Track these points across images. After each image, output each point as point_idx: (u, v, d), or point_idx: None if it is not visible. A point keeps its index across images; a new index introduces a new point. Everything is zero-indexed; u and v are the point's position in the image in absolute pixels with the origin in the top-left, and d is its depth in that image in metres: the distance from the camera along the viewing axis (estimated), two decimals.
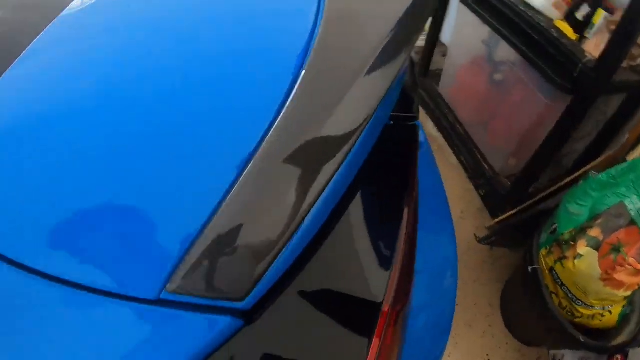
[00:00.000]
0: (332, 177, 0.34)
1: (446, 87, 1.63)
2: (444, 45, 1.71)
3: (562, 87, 1.04)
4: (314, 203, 0.33)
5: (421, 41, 1.72)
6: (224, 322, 0.31)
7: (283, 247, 0.32)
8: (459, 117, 1.55)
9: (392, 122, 0.57)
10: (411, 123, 0.59)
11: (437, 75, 1.69)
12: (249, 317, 0.33)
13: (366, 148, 0.41)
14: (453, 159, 1.55)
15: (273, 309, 0.35)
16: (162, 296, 0.30)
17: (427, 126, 1.70)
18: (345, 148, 0.35)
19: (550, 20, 1.09)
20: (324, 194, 0.33)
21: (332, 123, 0.35)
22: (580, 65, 0.97)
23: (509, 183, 1.31)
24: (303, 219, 0.32)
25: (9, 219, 0.31)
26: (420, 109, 1.75)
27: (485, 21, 1.31)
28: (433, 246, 0.69)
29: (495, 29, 1.26)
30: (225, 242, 0.30)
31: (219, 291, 0.30)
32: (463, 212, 1.41)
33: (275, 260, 0.31)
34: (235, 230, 0.30)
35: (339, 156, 0.34)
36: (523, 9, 1.12)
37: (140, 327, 0.30)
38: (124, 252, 0.30)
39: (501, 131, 1.38)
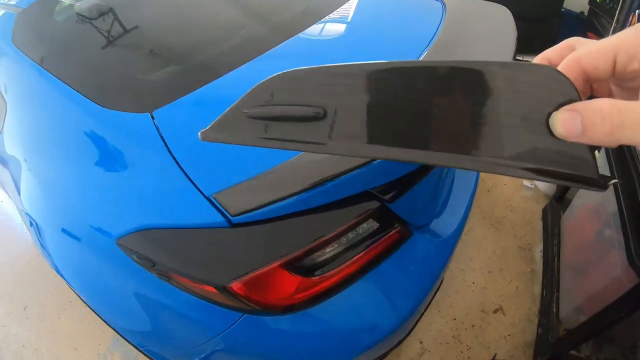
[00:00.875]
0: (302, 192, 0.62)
1: (567, 218, 1.60)
2: None
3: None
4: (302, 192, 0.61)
5: None
6: (218, 218, 0.64)
7: (263, 206, 0.62)
8: (562, 252, 1.51)
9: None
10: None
11: (568, 203, 1.66)
12: (233, 225, 0.64)
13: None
14: (537, 289, 1.54)
15: (252, 229, 0.65)
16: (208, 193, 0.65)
17: (535, 249, 1.69)
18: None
19: None
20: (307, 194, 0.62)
21: None
22: None
23: (561, 334, 1.27)
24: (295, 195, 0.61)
25: None
26: (541, 228, 1.76)
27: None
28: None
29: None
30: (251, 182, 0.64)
31: (227, 205, 0.64)
32: (511, 335, 1.43)
33: (263, 209, 0.61)
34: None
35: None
36: None
37: (169, 179, 0.70)
38: None
39: (587, 286, 1.32)
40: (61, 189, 0.88)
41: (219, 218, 0.65)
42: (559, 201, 1.72)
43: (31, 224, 1.03)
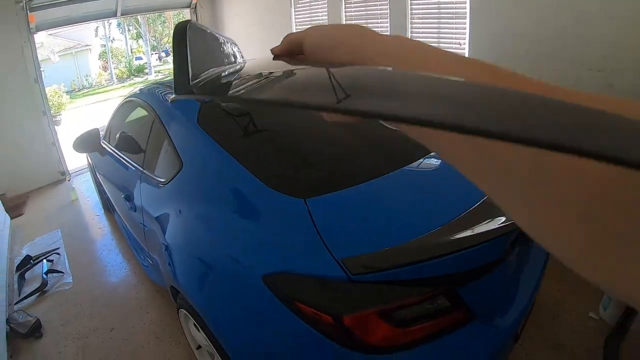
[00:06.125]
0: None
1: (626, 345, 1.53)
2: None
3: None
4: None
5: None
6: (341, 273, 0.94)
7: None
8: None
9: None
10: None
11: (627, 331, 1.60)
12: (351, 280, 0.94)
13: None
14: None
15: (363, 285, 0.94)
16: None
17: None
18: None
19: None
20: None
21: None
22: None
23: None
24: None
25: None
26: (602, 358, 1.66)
27: None
28: None
29: None
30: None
31: (350, 268, 0.94)
32: None
33: (372, 275, 0.94)
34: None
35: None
36: None
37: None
38: None
39: None
40: (218, 231, 1.23)
41: (342, 274, 0.94)
42: (620, 329, 1.67)
43: (168, 254, 1.39)
